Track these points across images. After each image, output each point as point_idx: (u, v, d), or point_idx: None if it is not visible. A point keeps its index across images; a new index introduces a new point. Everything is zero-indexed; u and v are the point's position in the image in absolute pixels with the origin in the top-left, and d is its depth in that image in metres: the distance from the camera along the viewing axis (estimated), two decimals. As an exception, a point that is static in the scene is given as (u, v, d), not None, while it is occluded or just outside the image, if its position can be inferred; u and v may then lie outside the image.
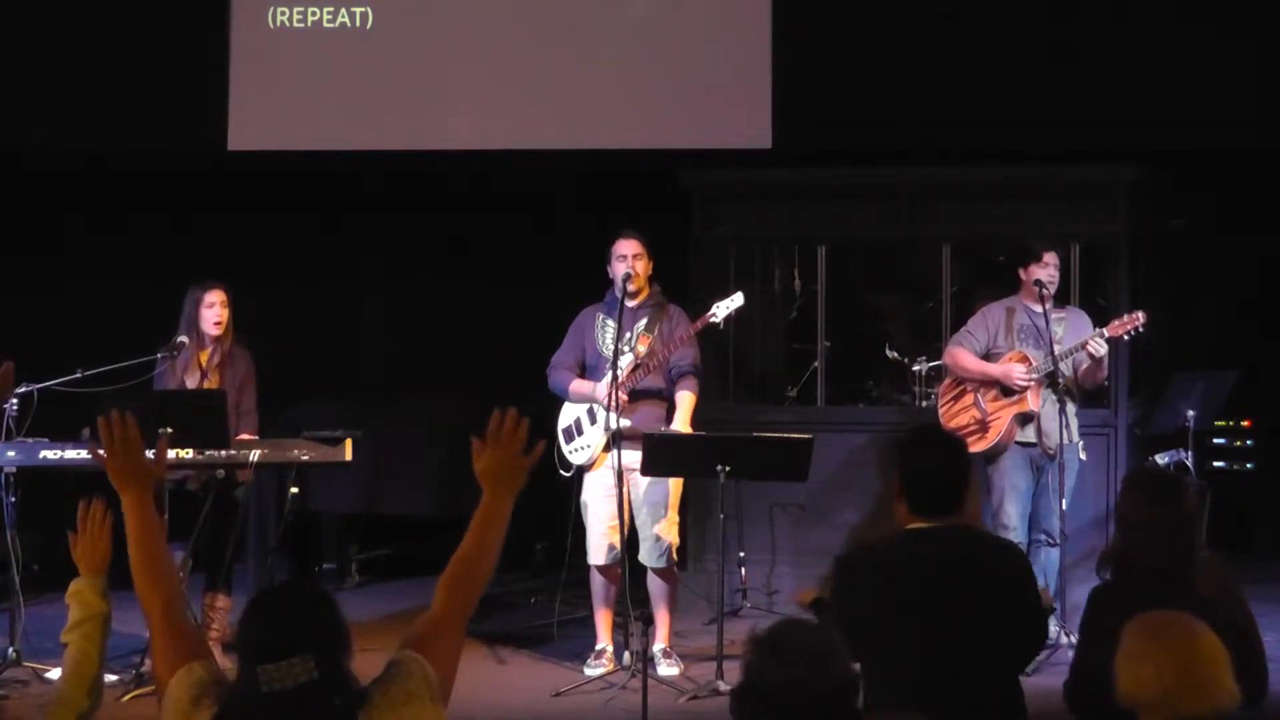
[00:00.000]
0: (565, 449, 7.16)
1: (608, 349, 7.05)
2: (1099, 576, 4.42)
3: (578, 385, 7.14)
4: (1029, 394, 7.38)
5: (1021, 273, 7.52)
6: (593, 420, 7.08)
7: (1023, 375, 7.37)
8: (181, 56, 9.35)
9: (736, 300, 7.13)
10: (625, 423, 6.93)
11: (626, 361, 7.02)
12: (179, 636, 3.11)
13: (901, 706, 4.03)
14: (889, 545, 4.32)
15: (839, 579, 4.30)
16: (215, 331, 7.22)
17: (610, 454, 6.99)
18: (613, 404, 6.89)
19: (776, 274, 9.34)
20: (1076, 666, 4.28)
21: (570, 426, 7.18)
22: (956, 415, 7.57)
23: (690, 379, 7.11)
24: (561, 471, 7.15)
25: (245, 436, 7.10)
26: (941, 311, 8.64)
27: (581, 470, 7.13)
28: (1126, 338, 7.44)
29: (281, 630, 2.90)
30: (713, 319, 7.10)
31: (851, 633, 4.22)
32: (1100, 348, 7.28)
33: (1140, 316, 7.33)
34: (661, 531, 7.04)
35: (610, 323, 7.10)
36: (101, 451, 3.34)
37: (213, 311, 7.20)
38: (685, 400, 7.07)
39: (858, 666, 2.96)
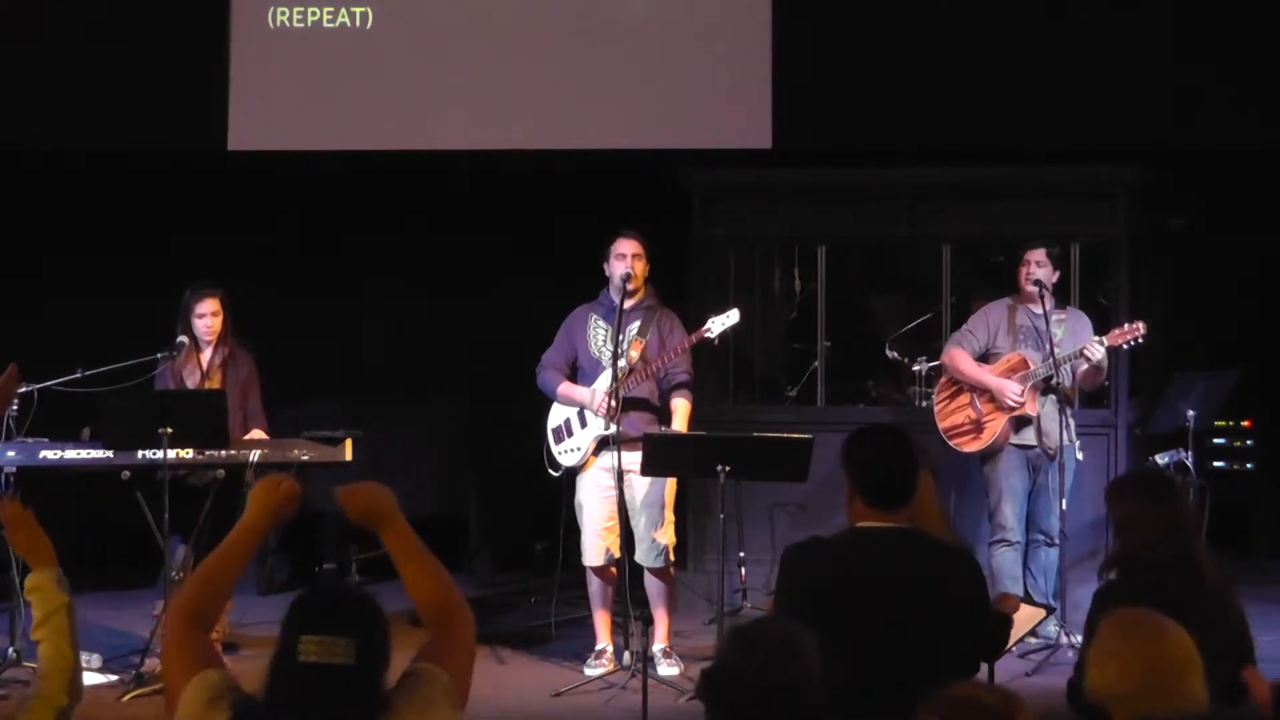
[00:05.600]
0: (555, 449, 7.15)
1: (599, 352, 7.04)
2: (1100, 579, 4.41)
3: (566, 389, 7.11)
4: (1025, 401, 7.37)
5: (1020, 275, 7.53)
6: (583, 423, 7.07)
7: (1015, 397, 7.33)
8: (181, 56, 9.34)
9: (732, 317, 7.06)
10: (618, 428, 6.93)
11: (621, 366, 7.01)
12: (197, 645, 3.09)
13: (842, 705, 4.00)
14: (838, 541, 4.25)
15: (784, 570, 4.22)
16: (209, 338, 7.32)
17: (601, 457, 6.99)
18: (608, 409, 6.87)
19: (776, 274, 9.34)
20: (1080, 665, 4.28)
21: (560, 427, 7.16)
22: (952, 414, 7.56)
23: (685, 389, 7.10)
24: (550, 471, 7.15)
25: (257, 434, 7.17)
26: (942, 313, 8.64)
27: (572, 471, 7.13)
28: (1126, 347, 7.43)
29: (333, 609, 2.92)
30: (707, 334, 7.07)
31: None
32: (1097, 352, 7.25)
33: (1140, 327, 7.29)
34: (658, 534, 7.03)
35: (602, 325, 7.09)
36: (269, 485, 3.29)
37: (203, 321, 7.29)
38: (681, 409, 7.05)
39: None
